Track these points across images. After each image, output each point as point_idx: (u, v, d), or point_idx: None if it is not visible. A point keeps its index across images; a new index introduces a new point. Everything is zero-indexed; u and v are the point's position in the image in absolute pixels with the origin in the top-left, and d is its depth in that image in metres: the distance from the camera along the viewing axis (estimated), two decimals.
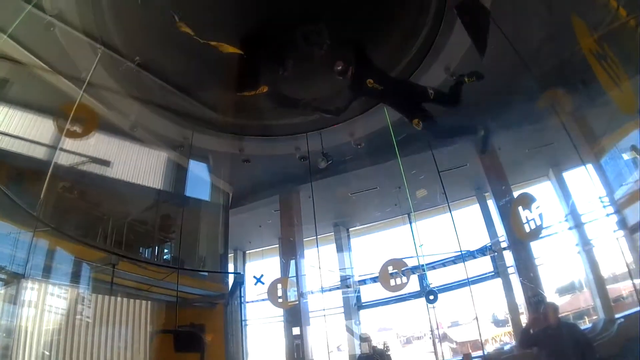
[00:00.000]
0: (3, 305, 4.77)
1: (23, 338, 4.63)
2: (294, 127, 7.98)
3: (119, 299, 5.64)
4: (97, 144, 6.68)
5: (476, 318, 6.60)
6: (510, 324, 9.41)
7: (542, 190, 9.01)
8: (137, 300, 5.82)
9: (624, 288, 7.41)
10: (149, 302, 5.87)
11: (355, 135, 7.97)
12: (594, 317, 7.80)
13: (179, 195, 8.44)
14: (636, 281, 6.22)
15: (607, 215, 5.96)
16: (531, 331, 4.96)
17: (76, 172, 6.62)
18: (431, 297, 8.37)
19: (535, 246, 7.61)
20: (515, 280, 8.37)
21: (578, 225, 7.66)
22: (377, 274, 7.26)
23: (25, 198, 5.07)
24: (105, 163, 7.06)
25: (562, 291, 9.10)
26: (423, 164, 7.92)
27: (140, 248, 7.90)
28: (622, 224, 5.55)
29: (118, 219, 7.01)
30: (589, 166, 5.87)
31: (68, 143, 6.00)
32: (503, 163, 7.88)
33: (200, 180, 9.02)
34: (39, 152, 5.93)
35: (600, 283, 7.68)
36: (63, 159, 6.08)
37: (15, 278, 4.81)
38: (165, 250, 8.53)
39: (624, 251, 4.59)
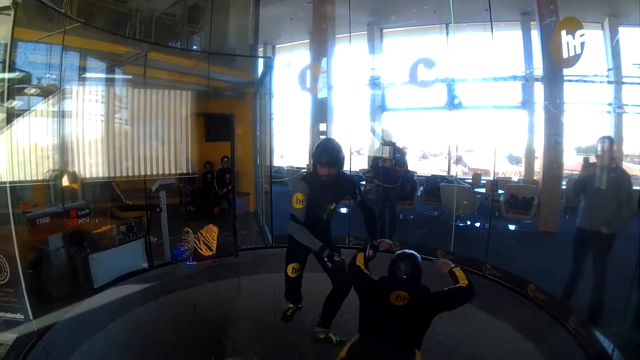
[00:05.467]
0: (47, 120, 5.33)
1: (69, 151, 5.36)
2: None
3: (152, 93, 6.13)
4: None
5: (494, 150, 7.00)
6: (523, 163, 10.01)
7: (592, 38, 8.33)
8: (170, 91, 6.27)
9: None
10: (182, 92, 6.34)
11: None
12: None
13: None
14: None
15: None
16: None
17: None
18: (456, 101, 8.79)
19: (567, 89, 7.62)
20: (539, 116, 8.52)
21: (617, 83, 7.47)
22: (407, 73, 7.24)
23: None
24: None
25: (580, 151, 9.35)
26: None
27: (170, 42, 8.23)
28: None
29: (146, 13, 7.17)
30: None
31: None
32: None
33: None
34: None
35: (619, 156, 7.80)
36: None
37: (51, 90, 5.28)
38: (195, 43, 8.89)
39: None
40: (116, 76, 6.74)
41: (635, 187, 4.45)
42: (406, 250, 3.07)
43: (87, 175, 5.61)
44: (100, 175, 5.69)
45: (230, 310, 5.07)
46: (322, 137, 9.79)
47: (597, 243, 4.52)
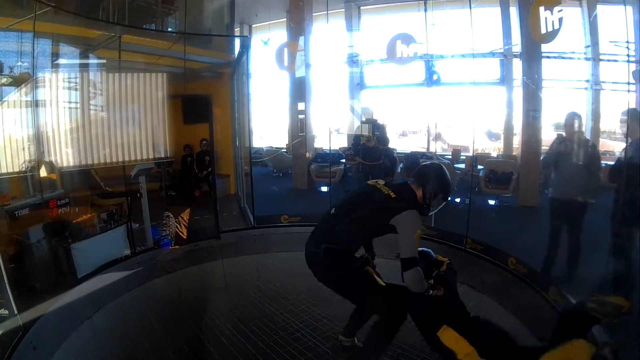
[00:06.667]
0: (21, 110, 5.22)
1: (45, 140, 5.25)
2: None
3: (128, 77, 6.04)
4: None
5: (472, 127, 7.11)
6: (502, 139, 10.19)
7: (570, 15, 8.33)
8: (146, 75, 6.21)
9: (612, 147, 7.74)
10: (157, 75, 6.28)
11: None
12: None
13: None
14: None
15: (628, 62, 5.84)
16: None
17: None
18: (434, 77, 8.86)
19: (545, 65, 7.76)
20: (518, 92, 8.66)
21: (595, 60, 7.62)
22: (385, 50, 7.28)
23: None
24: None
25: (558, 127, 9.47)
26: None
27: (144, 24, 8.07)
28: (638, 76, 5.55)
29: None
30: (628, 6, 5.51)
31: None
32: None
33: None
34: None
35: (595, 132, 8.09)
36: None
37: (24, 78, 5.19)
38: (170, 24, 8.74)
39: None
40: (90, 61, 6.61)
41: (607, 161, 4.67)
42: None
43: (65, 164, 5.54)
44: (78, 163, 5.61)
45: (216, 293, 5.15)
46: (300, 116, 9.79)
47: (571, 211, 4.81)
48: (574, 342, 2.49)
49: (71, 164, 5.58)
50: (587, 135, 7.74)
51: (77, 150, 5.54)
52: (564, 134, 4.92)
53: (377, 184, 3.16)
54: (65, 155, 5.48)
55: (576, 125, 4.85)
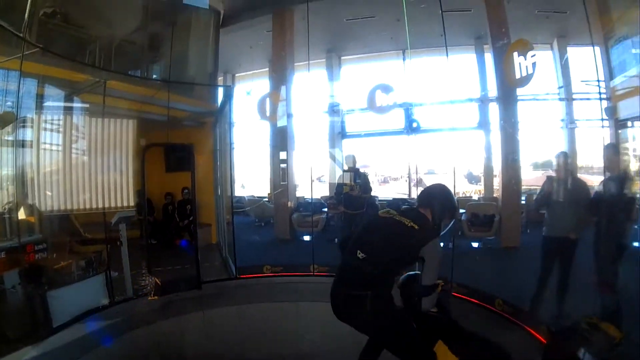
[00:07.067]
0: (2, 149, 5.13)
1: (26, 182, 5.22)
2: None
3: (111, 123, 6.05)
4: None
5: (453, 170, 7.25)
6: (482, 182, 10.42)
7: (543, 58, 8.88)
8: (129, 121, 6.23)
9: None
10: (141, 122, 6.29)
11: None
12: None
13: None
14: None
15: (600, 99, 6.16)
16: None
17: None
18: (414, 125, 9.04)
19: (521, 107, 8.05)
20: (496, 135, 8.92)
21: (568, 100, 7.99)
22: (365, 100, 7.42)
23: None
24: None
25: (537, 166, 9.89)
26: None
27: (129, 70, 8.19)
28: (611, 112, 5.83)
29: (106, 41, 7.14)
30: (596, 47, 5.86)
31: None
32: (509, 17, 7.69)
33: None
34: None
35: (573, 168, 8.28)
36: None
37: (8, 118, 5.11)
38: (154, 71, 8.88)
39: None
40: (75, 105, 6.58)
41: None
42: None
43: (44, 208, 5.40)
44: (57, 207, 5.48)
45: (197, 345, 4.95)
46: (282, 165, 9.92)
47: (564, 249, 4.86)
48: None
49: (50, 208, 5.44)
50: None
51: (57, 194, 5.41)
52: (554, 173, 5.05)
53: (393, 216, 3.10)
54: (45, 198, 5.35)
55: (565, 163, 4.98)
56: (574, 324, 3.76)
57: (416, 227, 2.93)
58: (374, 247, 2.97)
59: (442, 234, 3.22)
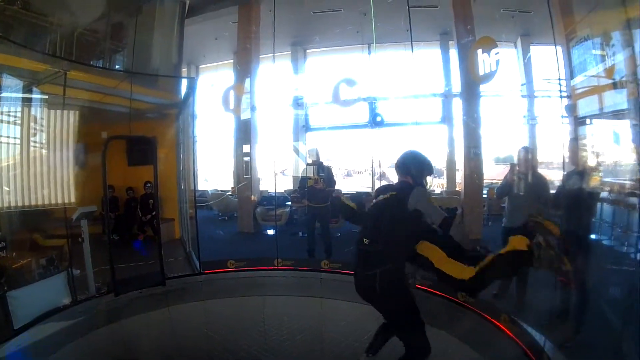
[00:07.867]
0: None
1: None
2: None
3: (72, 116, 5.83)
4: None
5: None
6: (445, 176, 10.65)
7: (506, 56, 9.03)
8: (91, 114, 6.03)
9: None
10: (102, 114, 6.09)
11: None
12: None
13: None
14: None
15: (560, 97, 6.37)
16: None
17: None
18: (378, 119, 9.11)
19: (484, 103, 8.27)
20: (459, 130, 9.13)
21: (530, 97, 8.26)
22: (330, 93, 7.47)
23: None
24: None
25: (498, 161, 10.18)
26: None
27: (91, 60, 7.90)
28: (571, 110, 6.04)
29: (67, 29, 6.85)
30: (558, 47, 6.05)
31: None
32: (475, 14, 7.91)
33: None
34: None
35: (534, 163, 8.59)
36: None
37: None
38: (117, 61, 8.60)
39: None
40: (34, 96, 6.27)
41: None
42: None
43: (2, 204, 5.16)
44: (16, 203, 5.25)
45: (162, 342, 4.86)
46: (246, 159, 9.83)
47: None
48: (512, 238, 2.92)
49: (8, 204, 5.20)
50: None
51: (14, 189, 5.18)
52: (517, 165, 5.20)
53: (381, 198, 3.33)
54: (2, 194, 5.11)
55: (526, 158, 5.13)
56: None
57: (394, 193, 3.23)
58: (373, 230, 3.21)
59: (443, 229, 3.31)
